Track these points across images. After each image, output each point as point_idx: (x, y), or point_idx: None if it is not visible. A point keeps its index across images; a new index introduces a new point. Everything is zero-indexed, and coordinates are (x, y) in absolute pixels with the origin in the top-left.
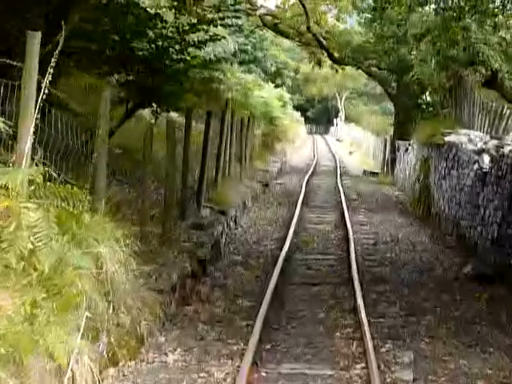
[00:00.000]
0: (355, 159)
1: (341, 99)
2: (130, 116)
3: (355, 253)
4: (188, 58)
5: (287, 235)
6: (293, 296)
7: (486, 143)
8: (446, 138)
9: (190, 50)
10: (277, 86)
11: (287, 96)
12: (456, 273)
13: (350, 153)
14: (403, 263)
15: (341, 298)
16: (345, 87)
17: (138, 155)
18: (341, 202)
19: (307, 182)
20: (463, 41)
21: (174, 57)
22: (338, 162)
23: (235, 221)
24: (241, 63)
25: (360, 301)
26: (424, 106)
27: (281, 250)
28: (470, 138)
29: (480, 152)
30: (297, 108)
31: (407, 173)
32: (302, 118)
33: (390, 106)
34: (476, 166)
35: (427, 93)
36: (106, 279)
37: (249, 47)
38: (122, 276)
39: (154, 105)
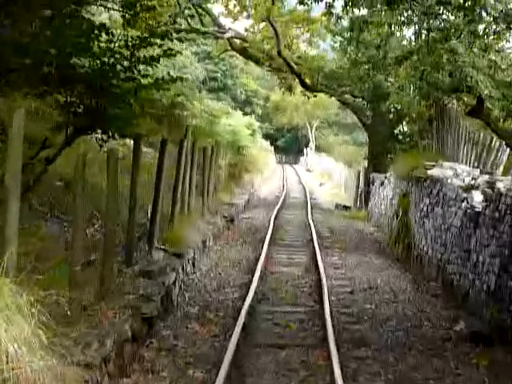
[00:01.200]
0: (326, 191)
1: (311, 128)
2: (70, 143)
3: (329, 304)
4: (138, 76)
5: (252, 281)
6: (256, 364)
7: (474, 179)
8: (429, 172)
9: (141, 68)
10: (246, 114)
11: (256, 124)
12: (447, 330)
13: (321, 184)
14: (385, 318)
15: (314, 368)
16: (315, 116)
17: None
18: (312, 239)
19: (276, 217)
20: (449, 64)
21: (122, 75)
22: (308, 194)
23: (193, 264)
24: (210, 91)
25: (337, 372)
26: (401, 137)
27: (244, 300)
28: (456, 173)
29: (469, 188)
30: (266, 137)
31: (383, 208)
32: (272, 148)
33: (361, 136)
34: (465, 205)
35: (404, 123)
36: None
37: (218, 75)
38: (26, 355)
39: (99, 130)
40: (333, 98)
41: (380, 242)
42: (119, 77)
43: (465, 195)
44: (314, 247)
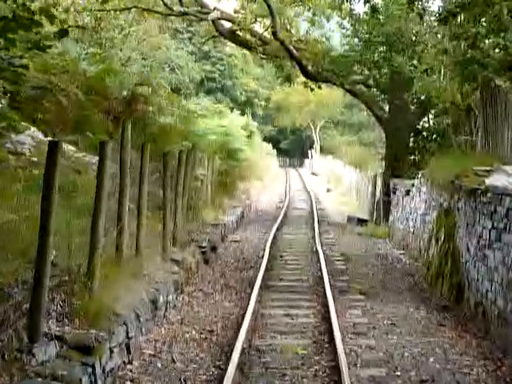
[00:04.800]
0: (335, 199)
1: (315, 129)
2: None
3: None
4: None
5: (225, 377)
6: None
7: None
8: (487, 181)
9: None
10: (243, 115)
11: (254, 124)
12: None
13: (328, 190)
14: None
15: None
16: (319, 116)
17: None
18: (321, 277)
19: (274, 238)
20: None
21: None
22: (314, 203)
23: (127, 349)
24: (208, 92)
25: None
26: (425, 134)
27: None
28: None
29: None
30: (268, 139)
31: (411, 225)
32: (274, 151)
33: (368, 136)
34: None
35: (430, 116)
36: None
37: (216, 75)
38: None
39: None
40: (338, 95)
41: (412, 275)
42: None
43: None
44: (324, 294)
